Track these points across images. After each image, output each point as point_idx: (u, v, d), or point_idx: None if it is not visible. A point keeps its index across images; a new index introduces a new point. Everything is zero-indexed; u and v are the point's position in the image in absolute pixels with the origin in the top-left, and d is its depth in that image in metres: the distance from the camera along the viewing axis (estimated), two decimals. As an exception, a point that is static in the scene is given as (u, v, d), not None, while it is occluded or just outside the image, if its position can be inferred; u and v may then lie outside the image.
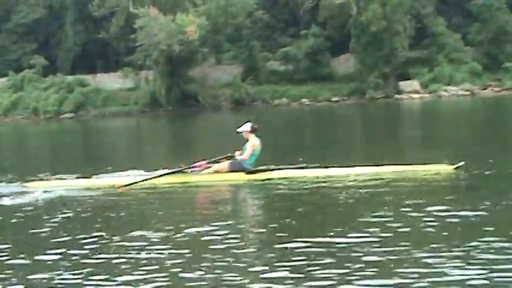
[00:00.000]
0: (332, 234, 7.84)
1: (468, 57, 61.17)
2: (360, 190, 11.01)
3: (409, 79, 59.47)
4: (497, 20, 60.79)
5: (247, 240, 8.14)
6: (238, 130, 13.54)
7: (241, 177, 13.11)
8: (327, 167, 13.10)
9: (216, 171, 13.28)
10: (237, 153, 13.42)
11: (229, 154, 13.45)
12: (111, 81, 65.98)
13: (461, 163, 12.64)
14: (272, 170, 13.20)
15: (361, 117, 43.68)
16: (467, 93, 57.02)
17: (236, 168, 13.25)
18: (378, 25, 57.62)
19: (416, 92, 58.24)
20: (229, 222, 9.13)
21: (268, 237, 8.15)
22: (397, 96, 57.93)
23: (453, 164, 12.67)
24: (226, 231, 8.39)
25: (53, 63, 70.96)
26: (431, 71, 59.33)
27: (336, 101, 59.96)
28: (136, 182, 13.08)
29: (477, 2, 61.96)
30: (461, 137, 22.73)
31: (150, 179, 13.24)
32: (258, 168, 13.28)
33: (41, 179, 14.51)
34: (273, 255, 7.12)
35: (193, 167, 13.28)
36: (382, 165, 12.99)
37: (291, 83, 62.68)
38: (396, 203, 9.68)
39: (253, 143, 13.35)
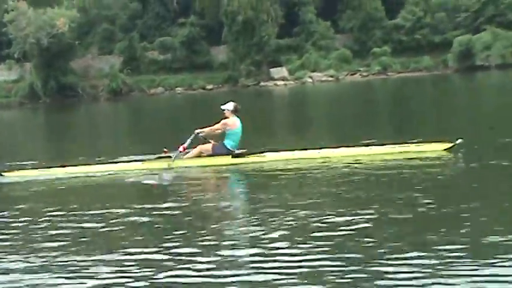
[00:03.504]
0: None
1: (339, 44, 62.95)
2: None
3: (281, 66, 61.16)
4: (366, 7, 62.37)
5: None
6: (222, 107, 12.66)
7: (227, 161, 12.19)
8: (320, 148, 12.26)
9: (199, 154, 12.52)
10: (197, 130, 12.48)
11: (195, 133, 12.50)
12: (-3, 74, 66.75)
13: (459, 141, 11.21)
14: (261, 152, 12.36)
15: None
16: (331, 79, 58.74)
17: (219, 151, 12.39)
18: (245, 14, 59.28)
19: (284, 78, 59.92)
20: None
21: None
22: (262, 83, 59.55)
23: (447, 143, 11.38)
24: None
25: None
26: (300, 58, 61.04)
27: (210, 89, 61.51)
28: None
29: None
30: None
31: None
32: (244, 151, 12.38)
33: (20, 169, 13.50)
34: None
35: (177, 152, 12.34)
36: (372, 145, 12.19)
37: (169, 72, 64.08)
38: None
39: (229, 121, 12.45)
